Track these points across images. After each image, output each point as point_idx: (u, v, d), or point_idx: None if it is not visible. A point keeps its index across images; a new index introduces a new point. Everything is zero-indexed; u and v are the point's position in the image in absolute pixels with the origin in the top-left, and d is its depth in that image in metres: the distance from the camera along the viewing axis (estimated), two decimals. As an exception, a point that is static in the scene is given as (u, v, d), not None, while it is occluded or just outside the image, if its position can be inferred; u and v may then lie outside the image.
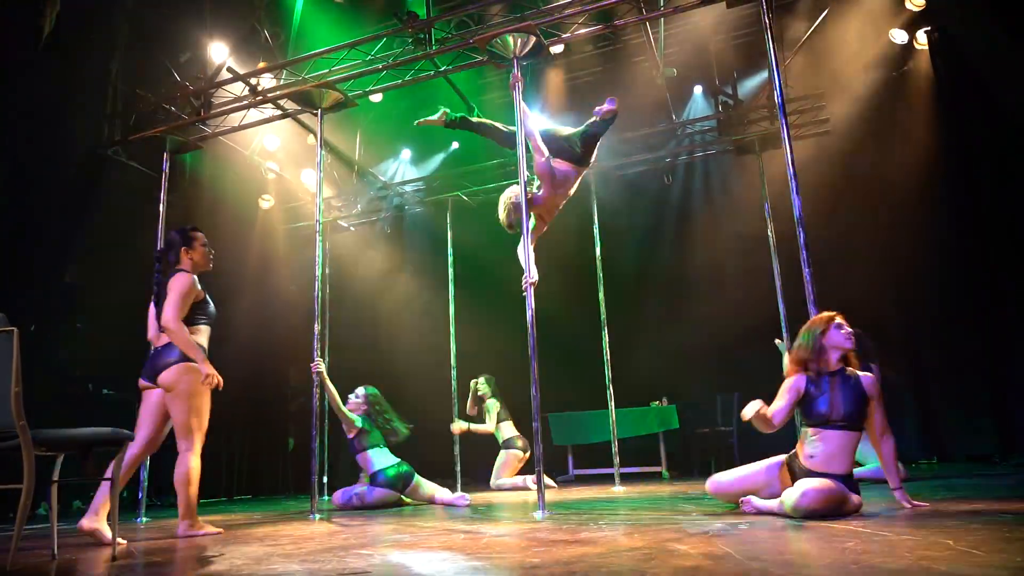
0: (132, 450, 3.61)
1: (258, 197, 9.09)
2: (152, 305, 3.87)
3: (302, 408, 9.37)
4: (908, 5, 6.79)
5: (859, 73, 7.57)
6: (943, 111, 7.14)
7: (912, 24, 7.01)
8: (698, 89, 8.62)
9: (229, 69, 6.80)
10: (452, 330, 7.35)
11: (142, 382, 3.77)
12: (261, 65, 7.02)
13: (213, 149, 8.02)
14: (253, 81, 6.61)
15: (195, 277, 3.78)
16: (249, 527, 4.07)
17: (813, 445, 3.30)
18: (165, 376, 3.61)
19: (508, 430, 7.44)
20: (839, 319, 3.44)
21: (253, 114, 6.82)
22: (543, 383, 4.01)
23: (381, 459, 5.42)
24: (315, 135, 5.97)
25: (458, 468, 7.05)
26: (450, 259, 7.61)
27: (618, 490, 5.88)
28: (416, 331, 9.41)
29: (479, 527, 3.55)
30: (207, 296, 3.86)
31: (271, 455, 9.12)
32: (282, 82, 6.78)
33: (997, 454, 6.48)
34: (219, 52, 7.05)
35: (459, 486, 6.91)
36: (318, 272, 5.17)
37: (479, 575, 2.03)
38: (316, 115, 5.65)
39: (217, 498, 7.93)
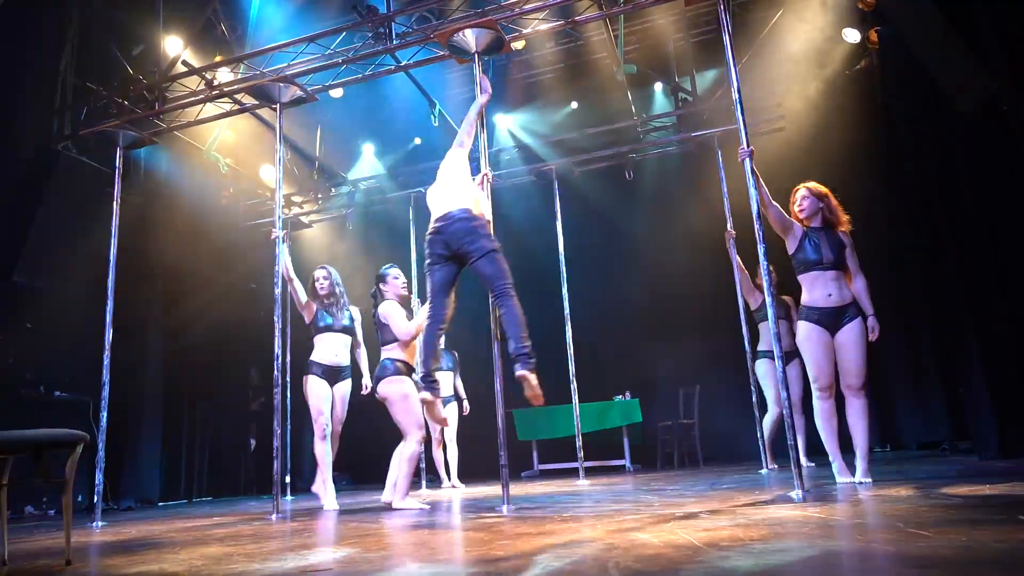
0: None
1: (215, 193, 8.91)
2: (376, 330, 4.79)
3: (264, 408, 9.24)
4: (859, 5, 6.93)
5: (814, 71, 7.72)
6: (895, 107, 7.31)
7: (864, 23, 7.16)
8: (658, 86, 8.71)
9: (184, 63, 6.66)
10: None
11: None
12: (218, 59, 6.90)
13: (169, 144, 7.84)
14: (209, 75, 6.48)
15: (395, 302, 4.74)
16: (209, 528, 4.01)
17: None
18: (381, 386, 4.53)
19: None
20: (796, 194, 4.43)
21: (210, 108, 6.68)
22: (507, 378, 4.01)
23: None
24: (274, 130, 5.88)
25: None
26: (412, 255, 7.56)
27: (582, 484, 5.93)
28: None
29: (444, 522, 3.55)
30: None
31: (232, 456, 8.96)
32: (239, 76, 6.66)
33: (947, 442, 6.68)
34: (174, 45, 6.89)
35: (424, 483, 6.89)
36: (279, 269, 5.10)
37: (443, 568, 2.03)
38: (275, 110, 5.56)
39: (178, 500, 7.78)
